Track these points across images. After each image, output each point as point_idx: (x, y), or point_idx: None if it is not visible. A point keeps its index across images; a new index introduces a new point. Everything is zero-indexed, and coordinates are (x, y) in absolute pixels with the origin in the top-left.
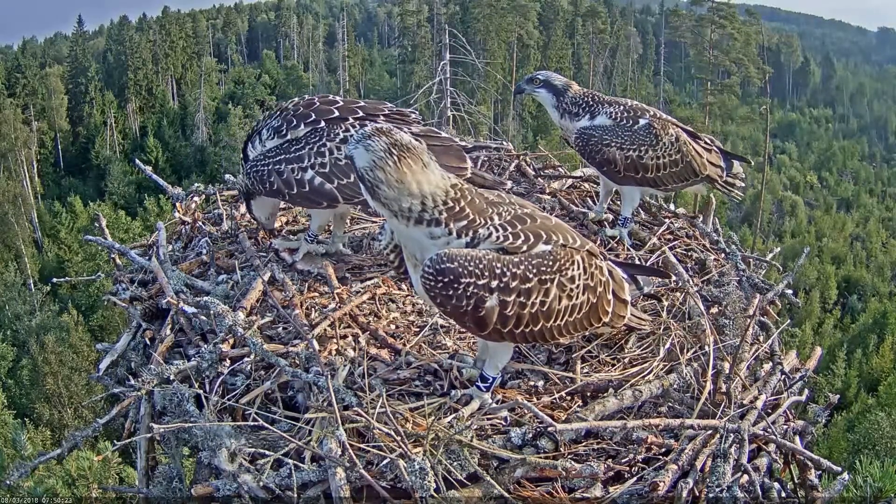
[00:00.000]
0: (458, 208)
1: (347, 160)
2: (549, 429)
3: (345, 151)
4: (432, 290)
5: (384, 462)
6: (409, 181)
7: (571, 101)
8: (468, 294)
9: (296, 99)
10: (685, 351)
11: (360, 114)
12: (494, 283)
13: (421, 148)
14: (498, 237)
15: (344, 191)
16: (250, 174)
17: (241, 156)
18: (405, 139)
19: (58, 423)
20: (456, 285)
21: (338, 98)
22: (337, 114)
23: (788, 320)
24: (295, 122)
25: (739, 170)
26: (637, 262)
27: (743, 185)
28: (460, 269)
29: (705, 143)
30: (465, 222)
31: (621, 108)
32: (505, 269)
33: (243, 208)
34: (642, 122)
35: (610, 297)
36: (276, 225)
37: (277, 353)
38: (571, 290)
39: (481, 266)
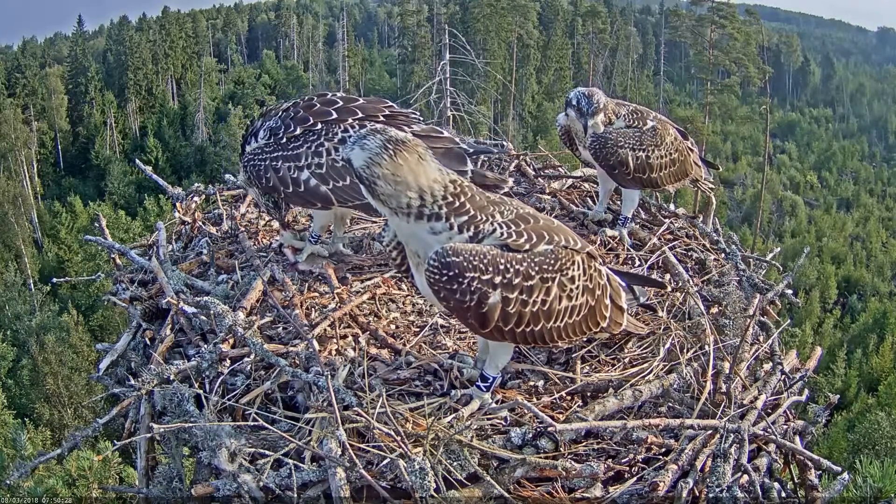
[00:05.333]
0: (458, 203)
1: (344, 162)
2: (549, 429)
3: (342, 153)
4: (436, 284)
5: (384, 462)
6: (405, 174)
7: None
8: (472, 289)
9: (297, 100)
10: (685, 351)
11: (360, 114)
12: (498, 279)
13: (416, 142)
14: (501, 234)
15: (339, 193)
16: (247, 167)
17: (240, 153)
18: (400, 135)
19: (58, 423)
20: (460, 279)
21: (337, 98)
22: (335, 115)
23: (788, 320)
24: (293, 127)
25: (709, 175)
26: (637, 262)
27: (714, 188)
28: (465, 264)
29: (692, 143)
30: (465, 217)
31: (629, 109)
32: (508, 266)
33: (243, 208)
34: (650, 123)
35: (608, 301)
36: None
37: (277, 353)
38: (571, 290)
39: (486, 261)
